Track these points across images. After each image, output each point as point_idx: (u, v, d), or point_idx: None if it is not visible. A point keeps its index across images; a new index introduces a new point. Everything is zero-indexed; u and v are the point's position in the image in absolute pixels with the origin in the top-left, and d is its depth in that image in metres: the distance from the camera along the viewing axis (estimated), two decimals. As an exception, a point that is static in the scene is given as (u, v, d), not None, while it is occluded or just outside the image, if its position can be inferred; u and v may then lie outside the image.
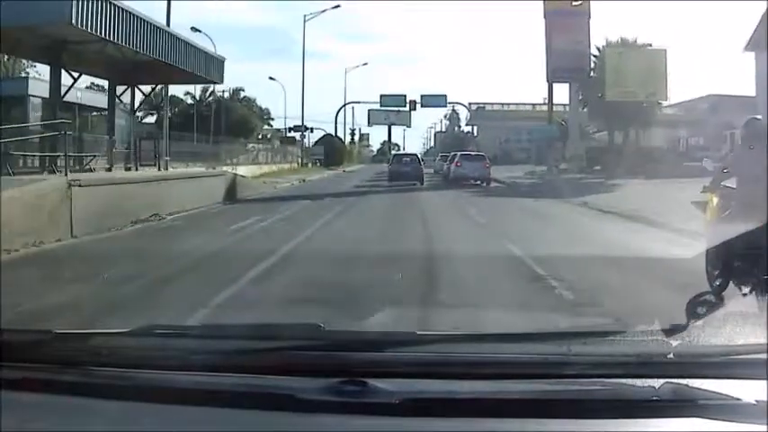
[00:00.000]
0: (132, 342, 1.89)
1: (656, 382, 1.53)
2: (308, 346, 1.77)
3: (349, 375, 1.56)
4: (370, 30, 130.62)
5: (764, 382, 1.52)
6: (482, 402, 1.53)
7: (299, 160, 53.85)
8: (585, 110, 43.55)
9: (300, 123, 60.59)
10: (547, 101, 43.06)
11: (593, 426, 1.47)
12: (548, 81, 41.77)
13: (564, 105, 45.81)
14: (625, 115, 39.53)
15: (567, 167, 39.44)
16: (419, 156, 37.07)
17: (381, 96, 61.75)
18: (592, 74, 41.07)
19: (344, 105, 69.65)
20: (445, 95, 62.06)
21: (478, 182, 31.07)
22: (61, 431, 1.50)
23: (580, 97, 42.03)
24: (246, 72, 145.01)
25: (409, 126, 75.98)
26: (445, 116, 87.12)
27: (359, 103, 74.90)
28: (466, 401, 1.54)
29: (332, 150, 58.70)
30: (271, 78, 74.37)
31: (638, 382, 1.55)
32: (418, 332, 1.91)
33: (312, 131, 62.98)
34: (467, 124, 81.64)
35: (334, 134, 65.35)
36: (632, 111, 39.34)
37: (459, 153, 35.03)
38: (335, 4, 58.56)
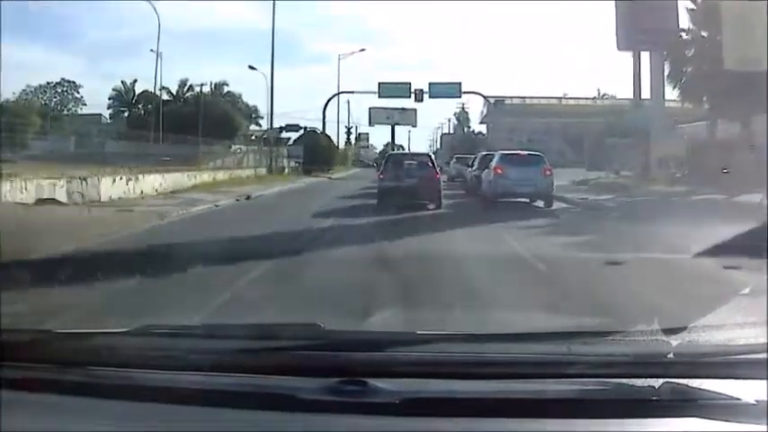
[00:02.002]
0: (132, 342, 1.89)
1: (656, 382, 1.54)
2: (308, 346, 1.77)
3: (349, 375, 1.56)
4: (374, 30, 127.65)
5: (764, 382, 1.53)
6: (482, 402, 1.54)
7: (270, 164, 41.49)
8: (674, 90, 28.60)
9: (294, 123, 51.63)
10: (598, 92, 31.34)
11: (594, 426, 1.47)
12: (619, 49, 29.95)
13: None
14: (750, 96, 23.06)
15: (642, 173, 26.35)
16: (432, 156, 21.21)
17: (380, 85, 49.23)
18: (684, 36, 27.81)
19: (338, 95, 56.00)
20: (459, 83, 49.03)
21: (530, 199, 18.99)
22: (61, 431, 1.50)
23: (667, 72, 28.34)
24: (246, 75, 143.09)
25: (415, 126, 62.48)
26: (454, 114, 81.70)
27: (353, 93, 57.83)
28: (466, 401, 1.54)
29: (316, 151, 46.09)
30: (251, 68, 54.92)
31: (638, 382, 1.56)
32: (418, 332, 1.91)
33: (306, 131, 52.17)
34: (481, 122, 70.61)
35: (320, 130, 51.90)
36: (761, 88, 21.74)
37: (500, 153, 20.97)
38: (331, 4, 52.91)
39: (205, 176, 27.82)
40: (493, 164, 19.75)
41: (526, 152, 21.68)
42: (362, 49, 65.56)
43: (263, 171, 38.73)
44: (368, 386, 1.53)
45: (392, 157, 20.85)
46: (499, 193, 18.89)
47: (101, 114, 56.02)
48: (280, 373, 1.64)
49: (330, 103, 56.13)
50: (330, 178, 40.90)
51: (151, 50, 46.57)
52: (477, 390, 1.58)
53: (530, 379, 1.63)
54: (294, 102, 69.37)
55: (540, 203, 18.54)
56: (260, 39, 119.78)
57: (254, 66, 46.98)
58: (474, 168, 24.51)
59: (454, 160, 36.85)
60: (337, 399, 1.52)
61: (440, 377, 1.63)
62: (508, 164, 19.20)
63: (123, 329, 1.96)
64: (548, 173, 18.86)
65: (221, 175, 29.89)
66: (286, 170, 43.49)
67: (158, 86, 46.44)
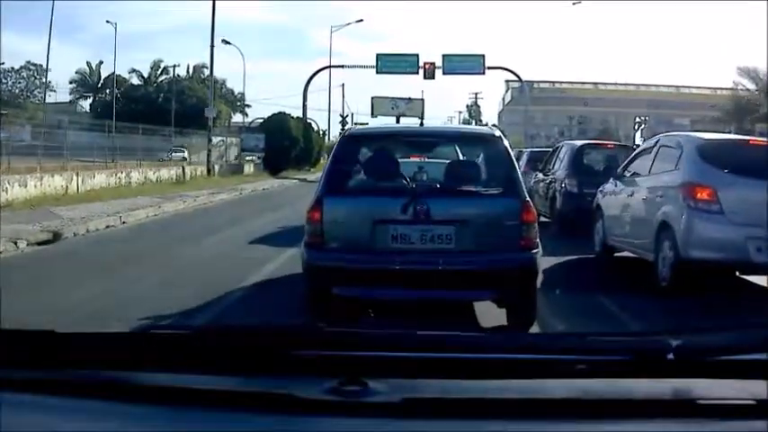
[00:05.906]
0: (132, 342, 1.89)
1: (656, 382, 1.54)
2: (308, 346, 1.77)
3: (349, 375, 1.56)
4: (384, 27, 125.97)
5: (764, 382, 1.52)
6: (482, 403, 1.54)
7: (208, 161, 30.70)
8: None
9: (283, 111, 40.03)
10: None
11: (594, 426, 1.47)
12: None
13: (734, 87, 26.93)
14: None
15: None
16: (507, 147, 5.73)
17: (378, 57, 40.15)
18: None
19: (329, 68, 46.47)
20: (482, 55, 39.55)
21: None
22: None
23: None
24: (257, 71, 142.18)
25: (422, 118, 47.11)
26: (467, 107, 76.94)
27: (342, 67, 47.08)
28: (466, 402, 1.54)
29: (285, 142, 33.99)
30: (225, 42, 43.73)
31: (639, 381, 1.56)
32: (418, 332, 1.91)
33: (271, 116, 40.57)
34: (500, 112, 65.79)
35: (300, 116, 40.44)
36: None
37: (696, 140, 7.81)
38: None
39: (126, 177, 21.95)
40: (686, 173, 7.51)
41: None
42: (360, 20, 60.49)
43: (204, 170, 29.61)
44: (368, 386, 1.53)
45: (357, 147, 6.51)
46: (715, 260, 6.85)
47: (76, 102, 51.34)
48: (279, 373, 1.63)
49: (324, 90, 51.87)
50: (305, 180, 30.99)
51: (107, 21, 44.04)
52: (477, 390, 1.58)
53: (530, 379, 1.62)
54: (296, 97, 68.60)
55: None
56: (261, 34, 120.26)
57: (248, 59, 42.63)
58: (592, 182, 11.87)
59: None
60: (337, 399, 1.51)
61: (440, 377, 1.63)
62: (738, 176, 7.25)
63: (124, 330, 1.96)
64: None
65: (151, 175, 24.00)
66: (250, 167, 33.72)
67: (116, 63, 42.89)
